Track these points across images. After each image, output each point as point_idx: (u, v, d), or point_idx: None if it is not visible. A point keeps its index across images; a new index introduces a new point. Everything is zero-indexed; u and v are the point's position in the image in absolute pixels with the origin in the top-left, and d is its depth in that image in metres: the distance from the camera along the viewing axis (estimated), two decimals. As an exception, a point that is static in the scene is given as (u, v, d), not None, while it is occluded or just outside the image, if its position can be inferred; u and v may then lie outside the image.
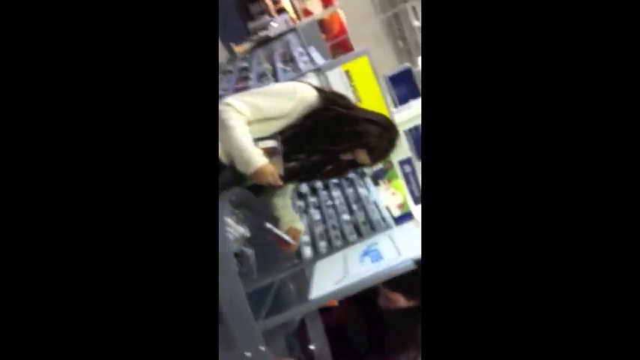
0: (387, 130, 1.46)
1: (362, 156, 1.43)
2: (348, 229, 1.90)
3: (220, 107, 1.34)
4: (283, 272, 1.57)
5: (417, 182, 2.59)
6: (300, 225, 1.61)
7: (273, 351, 1.34)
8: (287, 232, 1.53)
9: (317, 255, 1.70)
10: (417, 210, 2.50)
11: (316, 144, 1.46)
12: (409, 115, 4.05)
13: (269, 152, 1.38)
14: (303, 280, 1.58)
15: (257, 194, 1.51)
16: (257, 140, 1.36)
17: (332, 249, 1.74)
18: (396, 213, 2.41)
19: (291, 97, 1.40)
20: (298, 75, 2.57)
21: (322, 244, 1.80)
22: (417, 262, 1.16)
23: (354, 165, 1.52)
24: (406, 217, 2.41)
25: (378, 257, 1.29)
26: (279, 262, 1.68)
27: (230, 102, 1.35)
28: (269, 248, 1.62)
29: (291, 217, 1.59)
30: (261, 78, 3.12)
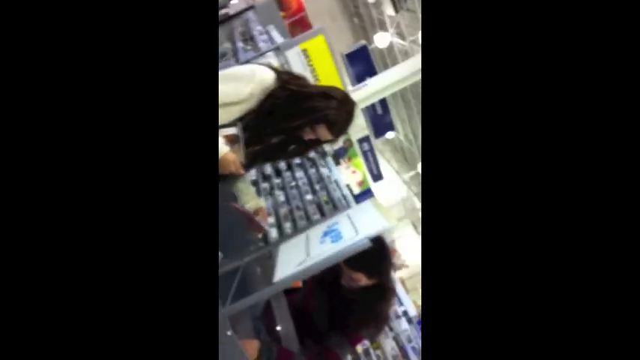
0: (343, 103, 1.48)
1: (323, 132, 1.45)
2: (311, 209, 1.93)
3: None
4: (249, 256, 1.59)
5: (375, 160, 2.65)
6: (264, 203, 1.64)
7: (240, 334, 1.37)
8: (255, 214, 1.55)
9: (282, 237, 1.73)
10: (375, 187, 2.57)
11: (275, 125, 1.46)
12: (366, 93, 4.11)
13: (230, 140, 1.39)
14: (268, 264, 1.61)
15: (219, 180, 1.49)
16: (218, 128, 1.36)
17: (297, 230, 1.76)
18: (356, 190, 2.46)
19: (248, 80, 1.39)
20: (258, 54, 2.56)
21: (287, 225, 1.82)
22: (372, 239, 1.21)
23: (316, 143, 1.54)
24: (366, 193, 2.47)
25: (337, 237, 1.32)
26: (244, 246, 1.70)
27: None
28: (234, 232, 1.64)
29: (255, 200, 1.63)
30: (222, 58, 3.08)
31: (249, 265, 1.61)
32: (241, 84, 1.38)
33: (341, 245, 1.25)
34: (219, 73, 1.44)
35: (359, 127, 2.30)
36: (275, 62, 2.53)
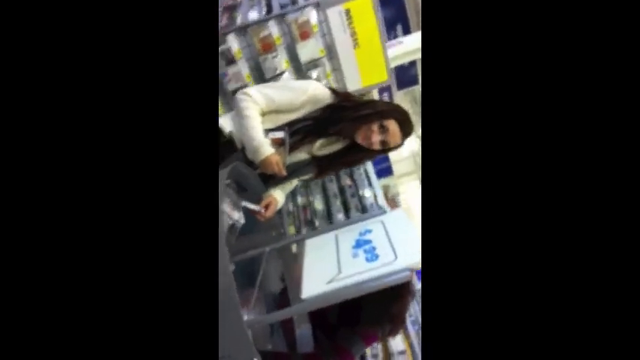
0: (403, 114, 1.58)
1: (393, 126, 1.54)
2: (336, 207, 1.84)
3: (239, 95, 1.52)
4: (269, 244, 1.52)
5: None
6: (280, 196, 1.66)
7: (257, 333, 1.34)
8: (263, 201, 1.59)
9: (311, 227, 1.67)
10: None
11: (339, 121, 1.55)
12: (400, 51, 3.85)
13: (277, 143, 1.52)
14: (291, 257, 1.55)
15: (265, 183, 1.63)
16: (268, 131, 1.52)
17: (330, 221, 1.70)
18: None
19: (303, 92, 1.54)
20: (295, 8, 2.34)
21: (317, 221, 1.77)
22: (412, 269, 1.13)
23: (372, 152, 1.61)
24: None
25: (373, 256, 1.24)
26: (264, 231, 1.64)
27: (248, 92, 1.51)
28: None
29: (275, 191, 1.65)
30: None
31: (271, 255, 1.55)
32: (296, 94, 1.53)
33: (378, 269, 1.17)
34: (279, 83, 1.70)
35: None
36: (313, 19, 2.32)
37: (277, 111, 1.54)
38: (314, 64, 2.34)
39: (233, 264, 1.33)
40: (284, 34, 2.35)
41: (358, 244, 1.34)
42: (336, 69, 2.40)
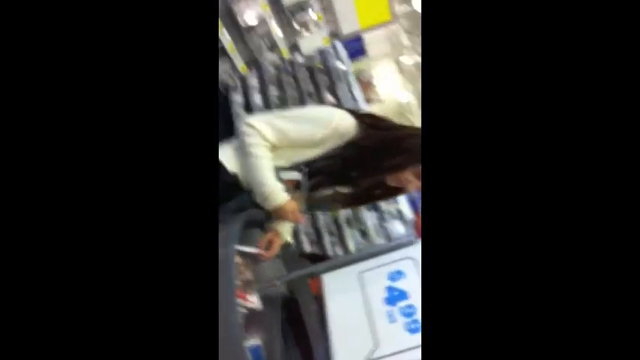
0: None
1: (413, 175, 1.26)
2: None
3: (244, 129, 1.23)
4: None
5: None
6: (286, 229, 1.41)
7: None
8: (263, 238, 1.35)
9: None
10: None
11: (359, 172, 1.30)
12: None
13: (292, 185, 1.27)
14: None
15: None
16: (280, 170, 1.25)
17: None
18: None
19: (325, 125, 1.23)
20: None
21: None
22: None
23: (398, 191, 1.38)
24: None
25: (413, 323, 1.09)
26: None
27: (254, 124, 1.22)
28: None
29: (282, 226, 1.40)
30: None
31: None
32: (316, 127, 1.23)
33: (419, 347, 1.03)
34: (292, 112, 1.30)
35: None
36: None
37: (292, 146, 1.24)
38: (299, 5, 1.90)
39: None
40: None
41: (392, 298, 1.18)
42: (327, 9, 1.97)
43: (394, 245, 1.33)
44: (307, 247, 1.95)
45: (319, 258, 1.76)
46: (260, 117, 1.28)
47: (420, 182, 1.25)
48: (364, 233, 1.79)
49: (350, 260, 1.34)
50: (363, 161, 1.27)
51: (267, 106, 3.04)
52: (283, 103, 3.44)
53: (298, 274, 1.37)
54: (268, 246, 1.32)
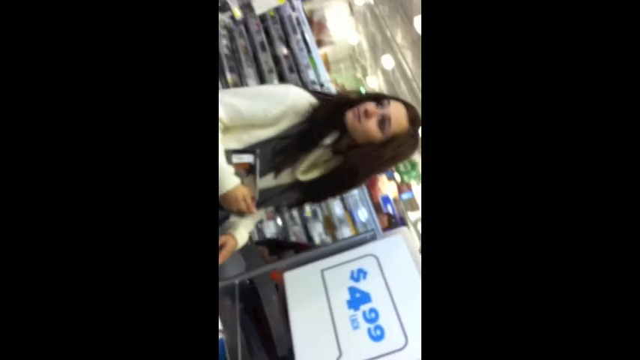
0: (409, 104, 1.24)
1: (392, 104, 1.19)
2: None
3: None
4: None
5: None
6: (241, 234, 1.33)
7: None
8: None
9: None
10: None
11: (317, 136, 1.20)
12: None
13: (244, 169, 1.18)
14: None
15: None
16: (233, 152, 1.17)
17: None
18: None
19: (280, 101, 1.16)
20: None
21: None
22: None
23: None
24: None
25: (377, 331, 1.09)
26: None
27: None
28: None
29: (235, 226, 1.33)
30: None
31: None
32: (271, 104, 1.16)
33: (386, 357, 1.04)
34: (246, 89, 1.27)
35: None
36: None
37: (246, 125, 1.16)
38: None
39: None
40: None
41: (355, 301, 1.16)
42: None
43: (357, 240, 1.30)
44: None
45: (279, 245, 1.71)
46: None
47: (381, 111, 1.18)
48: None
49: (312, 257, 1.30)
50: (323, 129, 1.20)
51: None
52: (234, 53, 3.24)
53: (258, 272, 1.32)
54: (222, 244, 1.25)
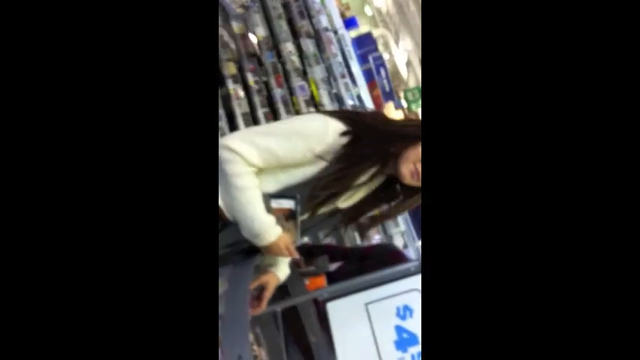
0: None
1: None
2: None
3: (223, 153, 1.02)
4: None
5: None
6: (282, 271, 1.28)
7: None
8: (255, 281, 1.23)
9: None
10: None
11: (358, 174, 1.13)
12: None
13: (284, 215, 1.11)
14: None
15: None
16: (269, 197, 1.08)
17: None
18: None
19: (320, 139, 1.06)
20: None
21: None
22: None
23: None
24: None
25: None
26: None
27: (234, 148, 1.03)
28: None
29: (276, 263, 1.27)
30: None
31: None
32: (310, 143, 1.06)
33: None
34: (278, 126, 1.16)
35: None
36: None
37: (281, 165, 1.08)
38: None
39: None
40: None
41: (403, 342, 1.17)
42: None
43: (401, 273, 1.28)
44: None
45: (309, 252, 1.69)
46: (239, 135, 1.10)
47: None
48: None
49: (355, 288, 1.29)
50: (361, 159, 1.13)
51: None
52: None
53: (301, 300, 1.31)
54: (259, 293, 1.23)
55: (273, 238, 1.08)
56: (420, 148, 1.10)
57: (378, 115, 1.20)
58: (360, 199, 1.23)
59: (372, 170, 1.14)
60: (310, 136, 1.06)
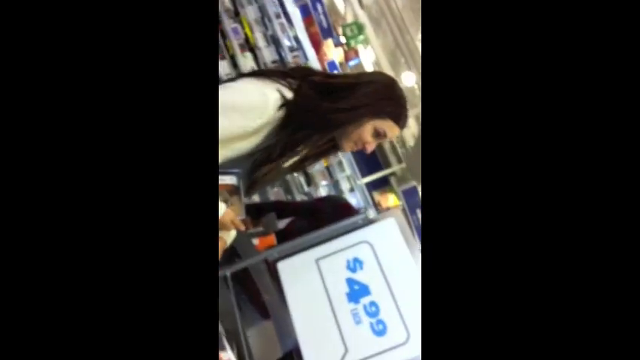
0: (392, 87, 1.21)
1: (389, 126, 1.19)
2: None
3: None
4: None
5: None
6: (228, 235, 1.27)
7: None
8: None
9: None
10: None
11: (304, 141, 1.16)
12: None
13: (228, 190, 1.13)
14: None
15: None
16: None
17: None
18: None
19: (260, 114, 1.06)
20: None
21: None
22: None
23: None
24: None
25: (379, 325, 1.14)
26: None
27: None
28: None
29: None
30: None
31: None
32: (250, 116, 1.06)
33: (389, 353, 1.11)
34: (222, 98, 1.06)
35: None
36: None
37: (222, 141, 1.04)
38: None
39: None
40: None
41: (354, 294, 1.19)
42: None
43: (349, 226, 1.28)
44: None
45: (258, 209, 1.65)
46: None
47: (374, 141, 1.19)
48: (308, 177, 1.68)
49: (304, 246, 1.28)
50: (306, 126, 1.13)
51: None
52: None
53: (250, 262, 1.29)
54: None
55: (219, 214, 1.06)
56: (363, 130, 1.14)
57: (317, 75, 1.19)
58: (302, 156, 1.26)
59: (312, 139, 1.16)
60: (248, 111, 1.04)
